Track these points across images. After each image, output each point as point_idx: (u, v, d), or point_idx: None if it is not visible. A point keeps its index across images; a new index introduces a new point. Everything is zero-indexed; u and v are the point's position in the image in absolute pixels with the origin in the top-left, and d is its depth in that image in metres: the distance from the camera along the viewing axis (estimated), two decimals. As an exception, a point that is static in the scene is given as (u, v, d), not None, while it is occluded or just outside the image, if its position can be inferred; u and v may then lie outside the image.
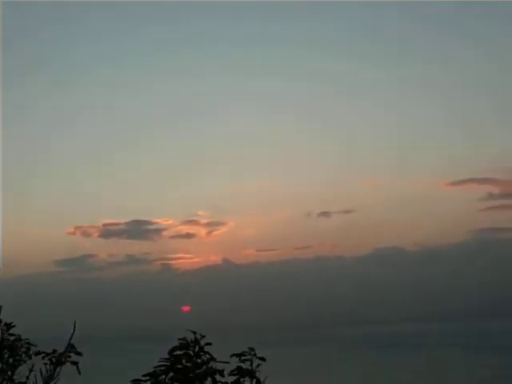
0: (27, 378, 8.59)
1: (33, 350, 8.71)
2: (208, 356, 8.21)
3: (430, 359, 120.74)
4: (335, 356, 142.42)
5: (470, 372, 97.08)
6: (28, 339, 8.79)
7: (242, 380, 8.34)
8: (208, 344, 8.26)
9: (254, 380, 8.34)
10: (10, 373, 8.52)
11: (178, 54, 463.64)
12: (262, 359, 8.37)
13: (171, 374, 8.17)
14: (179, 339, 8.25)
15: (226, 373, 8.30)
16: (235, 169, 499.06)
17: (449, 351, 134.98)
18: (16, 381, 8.60)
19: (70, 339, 8.49)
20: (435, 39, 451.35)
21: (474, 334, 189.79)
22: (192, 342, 8.20)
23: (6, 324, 8.71)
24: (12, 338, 8.70)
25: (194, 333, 8.25)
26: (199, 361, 8.20)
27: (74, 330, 8.45)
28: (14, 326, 8.76)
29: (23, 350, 8.66)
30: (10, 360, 8.61)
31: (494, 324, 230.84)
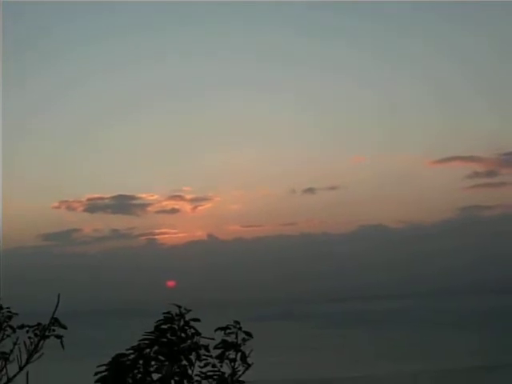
0: (11, 351, 8.54)
1: (16, 320, 8.64)
2: (193, 330, 8.18)
3: (412, 335, 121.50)
4: (318, 331, 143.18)
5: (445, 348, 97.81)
6: (9, 307, 8.71)
7: (226, 353, 8.32)
8: (195, 320, 8.22)
9: (239, 353, 8.33)
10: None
11: (167, 34, 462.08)
12: (248, 334, 8.34)
13: (156, 347, 8.14)
14: (164, 313, 8.21)
15: (211, 348, 8.27)
16: (221, 145, 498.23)
17: (431, 327, 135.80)
18: (-1, 352, 8.54)
19: (54, 312, 8.44)
20: (419, 16, 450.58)
21: (457, 310, 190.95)
22: (177, 315, 8.16)
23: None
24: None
25: (179, 307, 8.21)
26: (184, 335, 8.17)
27: (58, 303, 8.39)
28: (-2, 299, 8.69)
29: (5, 320, 8.58)
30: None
31: (480, 301, 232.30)
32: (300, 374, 77.96)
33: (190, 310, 8.21)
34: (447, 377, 72.81)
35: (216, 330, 8.36)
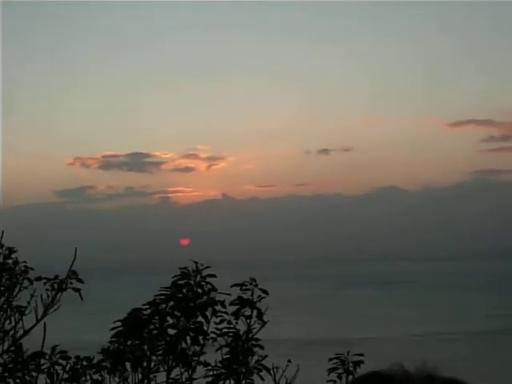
0: (28, 303, 8.57)
1: (32, 274, 8.68)
2: (209, 286, 8.17)
3: (426, 297, 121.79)
4: (330, 292, 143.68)
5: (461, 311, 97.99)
6: (26, 262, 8.75)
7: (242, 310, 8.32)
8: (212, 276, 8.21)
9: (255, 310, 8.33)
10: (7, 295, 8.51)
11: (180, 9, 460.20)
12: (265, 292, 8.33)
13: (171, 303, 8.16)
14: (180, 268, 8.20)
15: (226, 303, 8.28)
16: (235, 104, 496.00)
17: (445, 290, 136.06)
18: (15, 305, 8.58)
19: (72, 265, 8.46)
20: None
21: (470, 274, 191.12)
22: (193, 271, 8.16)
23: (8, 248, 8.67)
24: (10, 261, 8.65)
25: (196, 263, 8.20)
26: (200, 291, 8.17)
27: (75, 256, 8.41)
28: (16, 251, 8.71)
29: (22, 272, 8.63)
30: (9, 283, 8.58)
31: (493, 265, 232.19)
32: (313, 334, 78.38)
33: (209, 266, 8.19)
34: (461, 339, 73.02)
35: (232, 286, 8.36)
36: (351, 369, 8.43)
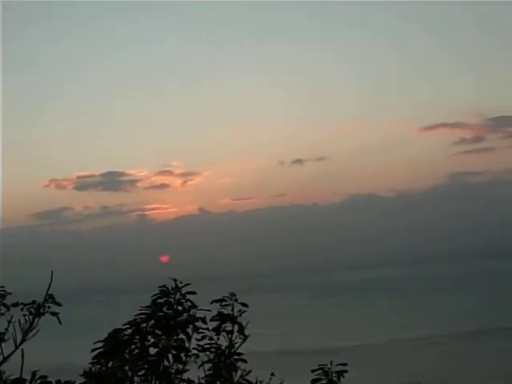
0: (6, 329, 8.45)
1: (9, 298, 8.56)
2: (189, 303, 8.12)
3: (403, 302, 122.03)
4: (309, 301, 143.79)
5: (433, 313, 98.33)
6: (3, 286, 8.62)
7: (223, 326, 8.27)
8: (191, 293, 8.15)
9: (236, 325, 8.28)
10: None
11: (165, 15, 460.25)
12: (244, 305, 8.28)
13: (152, 321, 8.09)
14: (160, 287, 8.14)
15: (207, 319, 8.22)
16: (208, 119, 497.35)
17: (422, 294, 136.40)
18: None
19: (48, 289, 8.36)
20: None
21: (446, 276, 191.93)
22: (173, 289, 8.10)
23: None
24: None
25: (175, 280, 8.14)
26: (180, 308, 8.11)
27: (52, 279, 8.31)
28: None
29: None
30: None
31: (467, 265, 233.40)
32: (295, 344, 78.27)
33: (188, 284, 8.13)
34: (441, 342, 73.22)
35: (212, 302, 8.30)
36: (335, 379, 8.38)
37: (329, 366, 8.36)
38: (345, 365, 8.42)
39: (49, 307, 8.42)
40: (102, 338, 8.16)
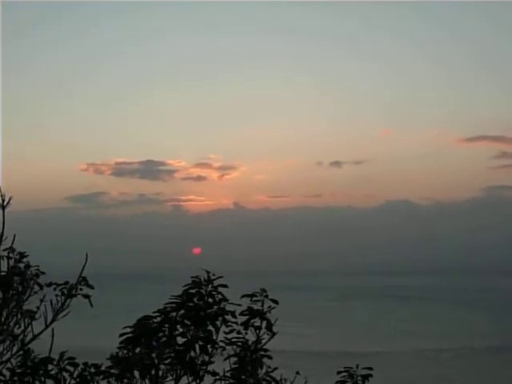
0: (38, 308, 8.56)
1: (42, 279, 8.68)
2: (220, 296, 8.14)
3: (431, 312, 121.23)
4: (338, 303, 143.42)
5: (464, 327, 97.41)
6: (38, 266, 8.73)
7: (252, 321, 8.29)
8: (223, 286, 8.18)
9: (265, 321, 8.29)
10: (17, 299, 8.49)
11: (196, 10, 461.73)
12: (275, 302, 8.29)
13: (182, 311, 8.13)
14: (192, 277, 8.18)
15: (237, 314, 8.25)
16: (249, 116, 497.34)
17: (452, 306, 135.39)
18: (25, 309, 8.56)
19: (82, 271, 8.44)
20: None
21: (482, 290, 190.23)
22: (205, 281, 8.13)
23: (19, 253, 8.65)
24: (22, 265, 8.64)
25: (208, 272, 8.17)
26: (211, 300, 8.14)
27: (86, 261, 8.39)
28: (27, 256, 8.70)
29: (33, 276, 8.62)
30: (20, 287, 8.57)
31: (503, 281, 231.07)
32: (321, 345, 78.15)
33: (220, 277, 8.16)
34: (466, 355, 72.67)
35: (242, 297, 8.32)
36: (360, 382, 8.37)
37: (354, 369, 8.36)
38: (370, 369, 8.40)
39: (81, 289, 8.53)
40: (131, 324, 8.22)
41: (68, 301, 8.52)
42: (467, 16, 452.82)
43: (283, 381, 8.37)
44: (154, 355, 8.04)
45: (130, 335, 8.12)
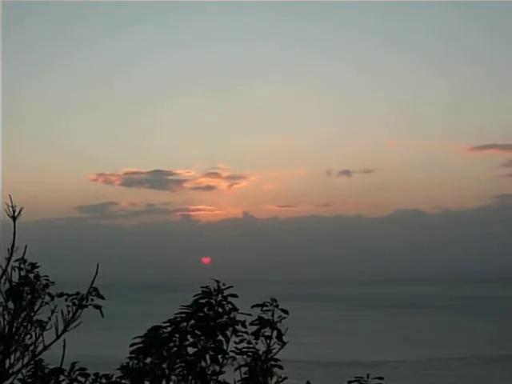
0: (49, 318, 8.57)
1: (53, 289, 8.69)
2: (230, 306, 8.15)
3: (441, 321, 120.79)
4: (347, 312, 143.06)
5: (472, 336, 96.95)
6: (47, 276, 8.75)
7: (262, 330, 8.28)
8: (233, 296, 8.18)
9: (275, 331, 8.29)
10: (28, 310, 8.51)
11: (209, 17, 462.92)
12: (285, 311, 8.29)
13: (192, 321, 8.13)
14: (202, 287, 8.18)
15: (247, 324, 8.24)
16: (258, 126, 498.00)
17: (462, 315, 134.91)
18: (36, 320, 8.58)
19: (93, 281, 8.45)
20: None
21: (493, 298, 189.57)
22: (215, 290, 8.14)
23: (30, 264, 8.67)
24: (32, 275, 8.65)
25: (218, 282, 8.18)
26: (221, 310, 8.14)
27: (97, 272, 8.40)
28: (38, 267, 8.72)
29: (43, 287, 8.63)
30: (29, 297, 8.58)
31: (505, 288, 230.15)
32: (331, 355, 77.95)
33: (231, 286, 8.16)
34: (476, 364, 72.37)
35: (253, 307, 8.32)
36: (370, 392, 8.35)
37: (365, 379, 8.34)
38: (381, 378, 8.38)
39: (92, 300, 8.54)
40: (141, 334, 8.23)
41: (79, 311, 8.53)
42: (474, 30, 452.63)
43: (294, 391, 8.37)
44: (164, 365, 8.04)
45: (141, 345, 8.13)
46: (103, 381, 8.27)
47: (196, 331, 8.12)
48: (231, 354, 8.21)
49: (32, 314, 8.55)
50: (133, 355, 8.17)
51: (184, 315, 8.12)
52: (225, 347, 8.18)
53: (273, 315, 8.28)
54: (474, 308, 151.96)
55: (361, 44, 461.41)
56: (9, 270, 8.53)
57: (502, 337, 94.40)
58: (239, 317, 8.19)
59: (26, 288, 8.55)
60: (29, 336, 8.55)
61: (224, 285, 8.17)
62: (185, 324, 8.12)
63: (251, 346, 8.27)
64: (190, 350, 8.16)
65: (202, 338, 8.12)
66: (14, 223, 8.46)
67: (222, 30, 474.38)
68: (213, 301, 8.13)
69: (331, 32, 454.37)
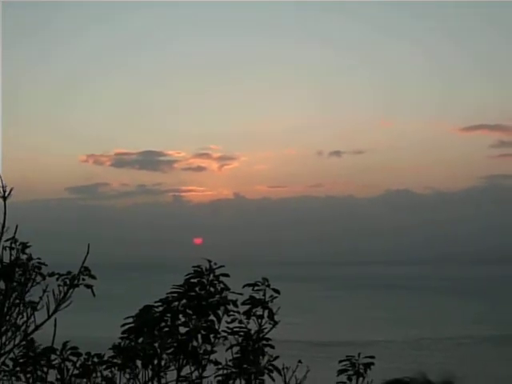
0: (40, 298, 8.56)
1: (45, 269, 8.67)
2: (222, 285, 8.15)
3: (425, 302, 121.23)
4: (334, 293, 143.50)
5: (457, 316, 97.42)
6: (40, 258, 8.73)
7: (254, 310, 8.29)
8: (225, 275, 8.18)
9: (267, 310, 8.29)
10: (20, 290, 8.50)
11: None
12: (276, 291, 8.29)
13: (184, 301, 8.13)
14: (194, 267, 8.17)
15: (238, 303, 8.25)
16: (248, 105, 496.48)
17: (444, 294, 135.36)
18: (27, 300, 8.57)
19: (84, 261, 8.44)
20: None
21: (482, 278, 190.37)
22: (207, 270, 8.13)
23: (22, 243, 8.65)
24: (24, 256, 8.63)
25: (209, 261, 8.17)
26: (213, 290, 8.14)
27: (88, 252, 8.39)
28: (29, 246, 8.69)
29: (35, 268, 8.62)
30: (22, 278, 8.57)
31: (503, 269, 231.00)
32: (320, 335, 78.25)
33: (222, 266, 8.15)
34: (467, 344, 72.77)
35: (244, 286, 8.32)
36: (361, 371, 8.38)
37: (356, 358, 8.37)
38: (372, 357, 8.41)
39: (83, 279, 8.53)
40: (133, 314, 8.22)
41: (70, 291, 8.53)
42: (463, 12, 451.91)
43: (285, 370, 8.39)
44: (156, 345, 8.05)
45: (132, 325, 8.13)
46: (95, 360, 8.27)
47: (188, 311, 8.12)
48: (223, 334, 8.22)
49: (24, 294, 8.54)
50: (125, 335, 8.16)
51: (175, 295, 8.12)
52: (216, 327, 8.18)
53: (264, 295, 8.28)
54: (465, 288, 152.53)
55: (350, 28, 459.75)
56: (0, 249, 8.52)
57: (488, 317, 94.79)
58: (231, 296, 8.19)
59: (17, 269, 8.53)
60: (20, 316, 8.54)
61: (215, 264, 8.17)
62: (176, 304, 8.11)
63: (243, 325, 8.28)
64: (182, 330, 8.16)
65: (194, 317, 8.11)
66: (5, 203, 8.45)
67: (211, 22, 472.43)
68: (204, 280, 8.13)
69: (314, 16, 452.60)
